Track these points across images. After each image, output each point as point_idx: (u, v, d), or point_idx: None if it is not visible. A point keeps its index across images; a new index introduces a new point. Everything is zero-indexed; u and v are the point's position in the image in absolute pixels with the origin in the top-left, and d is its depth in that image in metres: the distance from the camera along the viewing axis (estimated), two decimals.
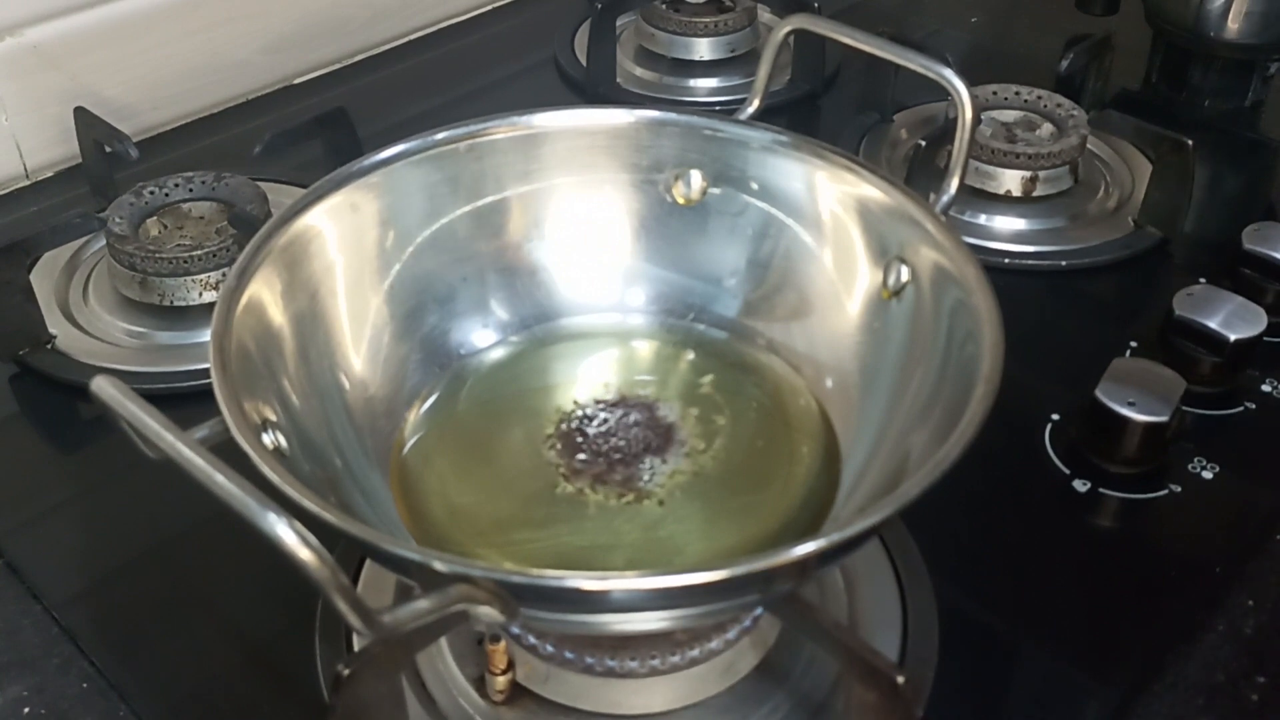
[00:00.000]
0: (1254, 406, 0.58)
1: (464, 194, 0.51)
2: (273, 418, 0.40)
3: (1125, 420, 0.52)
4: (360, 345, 0.48)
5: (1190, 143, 0.67)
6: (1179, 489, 0.53)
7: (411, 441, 0.48)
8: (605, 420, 0.48)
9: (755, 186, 0.51)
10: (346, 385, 0.47)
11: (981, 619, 0.48)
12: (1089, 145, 0.74)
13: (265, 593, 0.48)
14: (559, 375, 0.51)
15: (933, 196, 0.47)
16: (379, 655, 0.38)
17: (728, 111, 0.52)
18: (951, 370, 0.42)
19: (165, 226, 0.66)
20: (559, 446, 0.47)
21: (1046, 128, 0.74)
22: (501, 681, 0.43)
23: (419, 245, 0.50)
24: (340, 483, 0.43)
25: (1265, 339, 0.58)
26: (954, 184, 0.48)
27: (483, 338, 0.52)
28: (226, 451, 0.32)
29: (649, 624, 0.38)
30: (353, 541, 0.34)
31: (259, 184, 0.68)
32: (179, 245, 0.63)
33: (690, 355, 0.51)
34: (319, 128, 0.71)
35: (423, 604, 0.32)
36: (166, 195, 0.67)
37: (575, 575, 0.32)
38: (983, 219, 0.71)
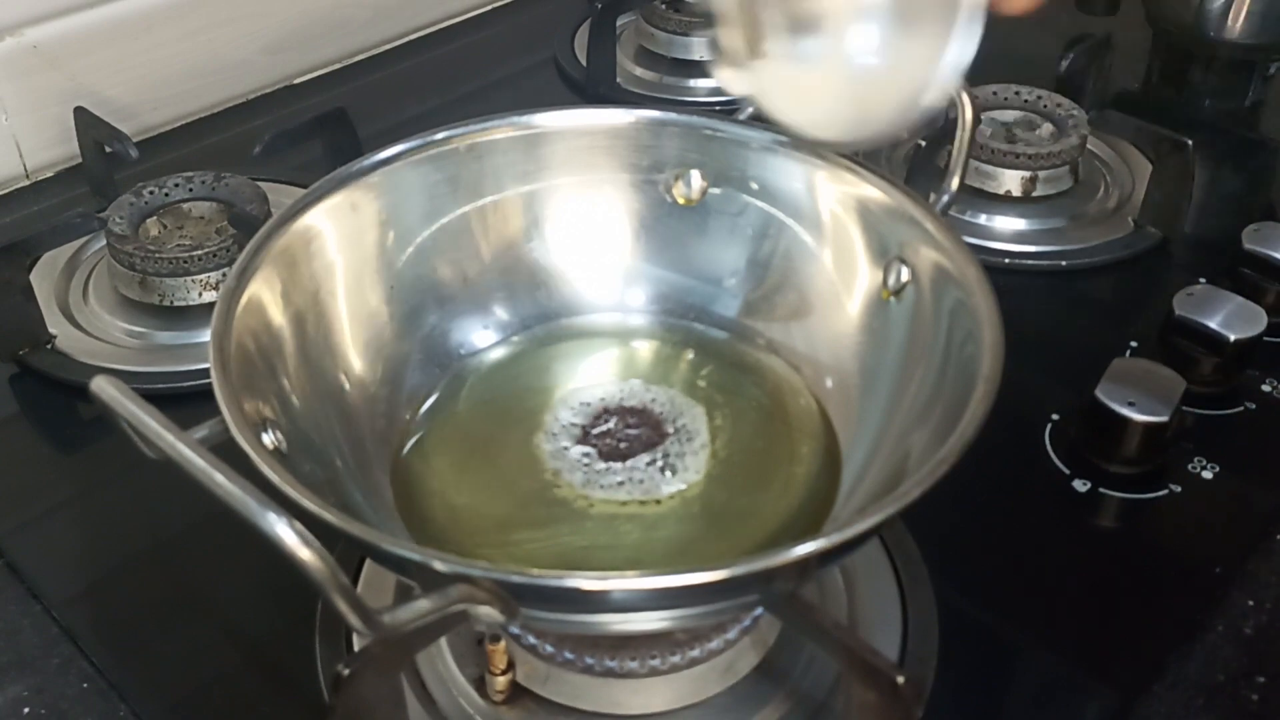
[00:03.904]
0: (1254, 406, 0.58)
1: (464, 194, 0.51)
2: (273, 417, 0.40)
3: (1125, 420, 0.52)
4: (360, 345, 0.48)
5: (1190, 143, 0.67)
6: (1179, 489, 0.53)
7: (411, 441, 0.48)
8: (605, 420, 0.48)
9: (755, 186, 0.51)
10: (347, 385, 0.47)
11: (981, 619, 0.48)
12: (1089, 145, 0.74)
13: (265, 593, 0.48)
14: (559, 375, 0.51)
15: (933, 196, 0.47)
16: (379, 655, 0.38)
17: (728, 111, 0.52)
18: (951, 370, 0.42)
19: (165, 226, 0.66)
20: (559, 446, 0.47)
21: (1046, 128, 0.74)
22: (501, 681, 0.43)
23: (419, 245, 0.50)
24: (340, 483, 0.43)
25: (1265, 339, 0.58)
26: (954, 184, 0.48)
27: (483, 338, 0.52)
28: (226, 451, 0.32)
29: (649, 624, 0.38)
30: (353, 541, 0.34)
31: (259, 184, 0.68)
32: (179, 245, 0.63)
33: (690, 355, 0.51)
34: (319, 128, 0.71)
35: (423, 604, 0.32)
36: (166, 195, 0.67)
37: (575, 575, 0.32)
38: (983, 219, 0.71)
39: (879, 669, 0.37)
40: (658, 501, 0.45)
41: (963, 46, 0.33)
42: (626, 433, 0.47)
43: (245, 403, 0.38)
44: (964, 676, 0.45)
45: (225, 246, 0.63)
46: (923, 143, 0.68)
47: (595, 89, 0.84)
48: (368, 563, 0.48)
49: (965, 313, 0.42)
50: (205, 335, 0.40)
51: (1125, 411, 0.52)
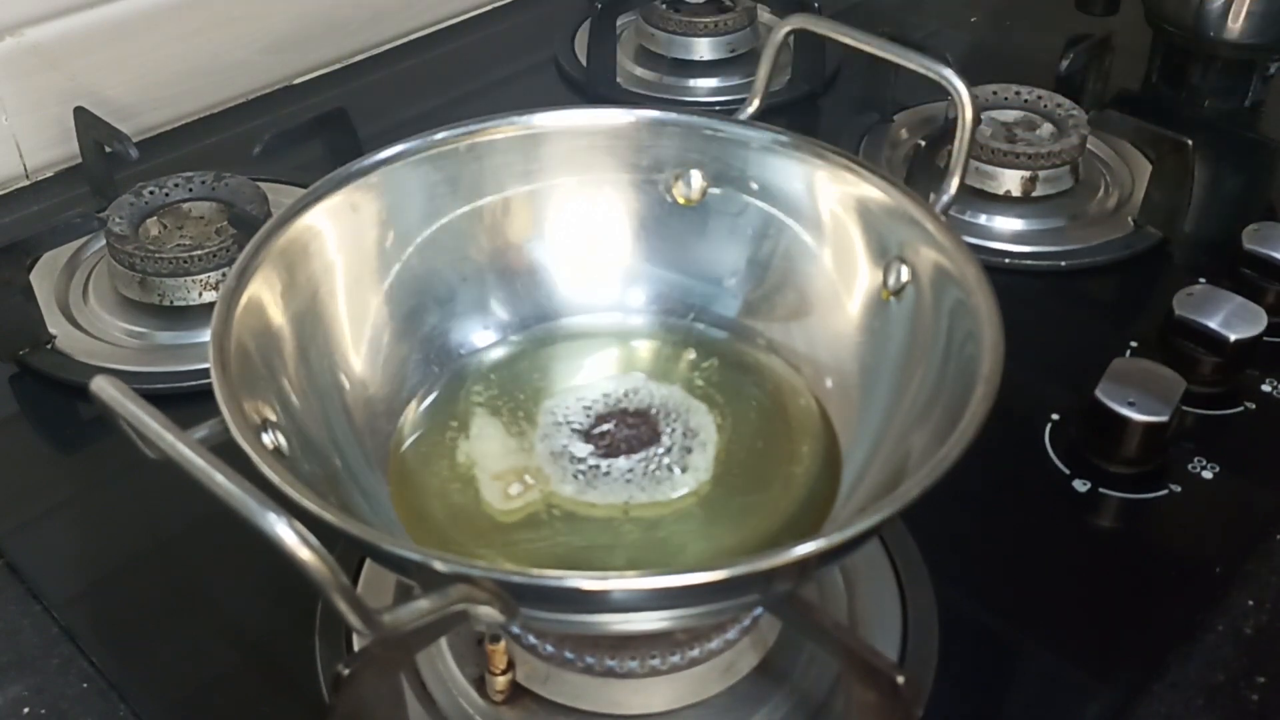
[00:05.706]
0: (1254, 406, 0.58)
1: (464, 194, 0.51)
2: (273, 417, 0.40)
3: (1125, 420, 0.52)
4: (360, 345, 0.48)
5: (1190, 143, 0.67)
6: (1179, 489, 0.53)
7: (411, 441, 0.48)
8: (605, 420, 0.48)
9: (755, 186, 0.51)
10: (346, 385, 0.47)
11: (981, 619, 0.48)
12: (1089, 145, 0.74)
13: (265, 593, 0.48)
14: (559, 375, 0.51)
15: (933, 196, 0.47)
16: (379, 655, 0.38)
17: (728, 111, 0.52)
18: (951, 370, 0.42)
19: (165, 226, 0.66)
20: (559, 446, 0.47)
21: (1046, 128, 0.74)
22: (501, 681, 0.43)
23: (419, 245, 0.50)
24: (340, 483, 0.43)
25: (1265, 339, 0.58)
26: (954, 184, 0.47)
27: (483, 338, 0.52)
28: (226, 451, 0.32)
29: (649, 624, 0.38)
30: (353, 541, 0.34)
31: (259, 184, 0.68)
32: (179, 245, 0.63)
33: (690, 355, 0.51)
34: (319, 128, 0.71)
35: (423, 604, 0.32)
36: (166, 195, 0.67)
37: (575, 575, 0.32)
38: (983, 219, 0.71)
39: (879, 669, 0.37)
40: (657, 501, 0.45)
41: None
42: (626, 432, 0.47)
43: (245, 403, 0.38)
44: (964, 676, 0.45)
45: (225, 246, 0.63)
46: (923, 143, 0.68)
47: (595, 89, 0.84)
48: (368, 563, 0.48)
49: (965, 313, 0.42)
50: (205, 335, 0.40)
51: (1125, 411, 0.52)
